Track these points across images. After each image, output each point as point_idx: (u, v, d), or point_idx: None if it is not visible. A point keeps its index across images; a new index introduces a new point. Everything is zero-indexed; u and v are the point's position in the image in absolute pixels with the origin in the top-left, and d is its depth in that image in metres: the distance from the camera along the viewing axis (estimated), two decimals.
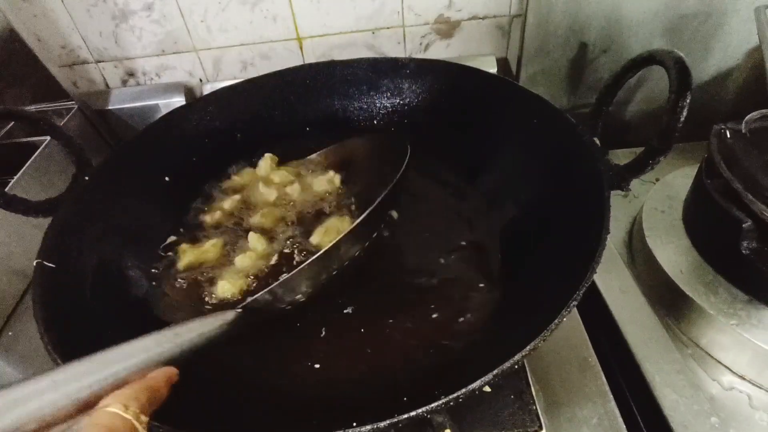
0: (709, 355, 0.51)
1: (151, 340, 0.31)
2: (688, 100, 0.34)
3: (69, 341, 0.37)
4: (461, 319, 0.48)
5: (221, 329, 0.36)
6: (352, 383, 0.43)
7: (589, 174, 0.43)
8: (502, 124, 0.58)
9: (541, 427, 0.43)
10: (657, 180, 0.66)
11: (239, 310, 0.38)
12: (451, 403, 0.28)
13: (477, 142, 0.61)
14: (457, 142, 0.62)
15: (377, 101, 0.66)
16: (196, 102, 0.63)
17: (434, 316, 0.48)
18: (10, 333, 0.58)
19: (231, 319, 0.37)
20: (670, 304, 0.54)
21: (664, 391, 0.46)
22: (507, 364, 0.29)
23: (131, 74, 0.84)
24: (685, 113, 0.34)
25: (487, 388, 0.31)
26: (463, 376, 0.31)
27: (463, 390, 0.28)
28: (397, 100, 0.66)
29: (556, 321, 0.31)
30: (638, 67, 0.42)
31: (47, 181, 0.66)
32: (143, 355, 0.30)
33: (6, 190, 0.46)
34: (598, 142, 0.45)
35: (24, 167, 0.64)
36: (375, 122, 0.67)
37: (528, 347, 0.30)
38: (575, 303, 0.32)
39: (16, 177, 0.63)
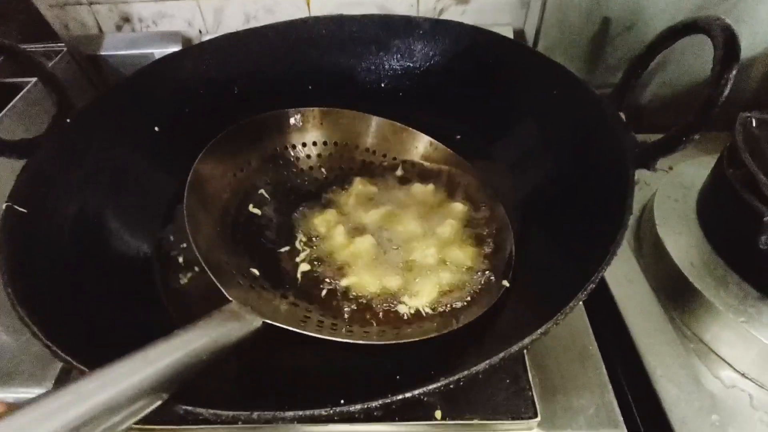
0: (713, 351, 0.49)
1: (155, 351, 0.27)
2: (734, 73, 0.30)
3: (36, 295, 0.34)
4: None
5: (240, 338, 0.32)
6: (343, 357, 0.41)
7: (613, 150, 0.40)
8: (520, 93, 0.54)
9: (535, 415, 0.41)
10: (670, 168, 0.63)
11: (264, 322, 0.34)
12: (452, 386, 0.26)
13: (492, 111, 0.58)
14: (470, 111, 0.58)
15: (386, 62, 0.62)
16: (192, 48, 0.58)
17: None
18: None
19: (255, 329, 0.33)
20: (677, 296, 0.52)
21: (666, 385, 0.45)
22: (515, 348, 0.26)
23: (126, 19, 0.79)
24: (729, 87, 0.31)
25: None
26: (464, 357, 0.28)
27: (466, 372, 0.26)
28: (408, 63, 0.62)
29: (571, 304, 0.28)
30: (677, 36, 0.38)
31: (30, 125, 0.62)
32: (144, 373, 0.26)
33: None
34: (623, 117, 0.42)
35: (5, 108, 0.60)
36: (382, 85, 0.63)
37: (540, 330, 0.27)
38: (593, 286, 0.30)
39: None
